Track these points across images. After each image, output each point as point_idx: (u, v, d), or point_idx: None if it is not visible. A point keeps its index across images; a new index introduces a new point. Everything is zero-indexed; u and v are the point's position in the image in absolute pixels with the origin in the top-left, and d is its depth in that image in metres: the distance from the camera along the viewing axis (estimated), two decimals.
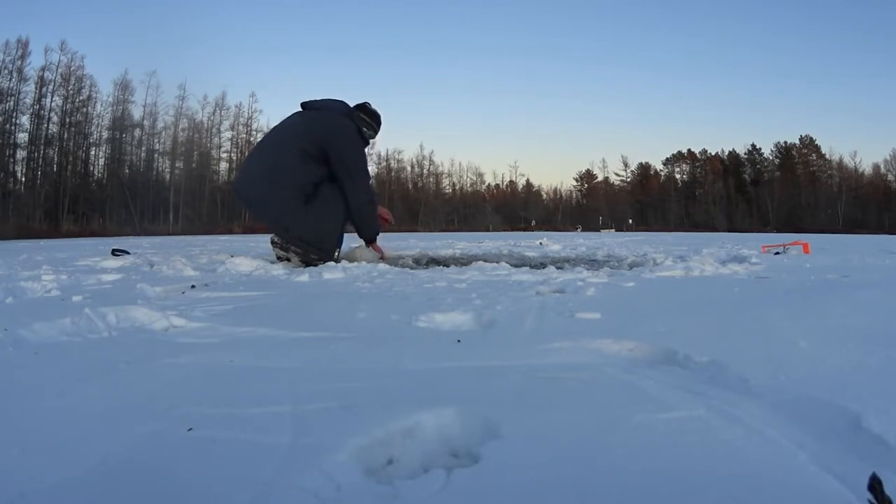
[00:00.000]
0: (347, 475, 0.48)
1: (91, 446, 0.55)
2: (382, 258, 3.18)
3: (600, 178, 54.71)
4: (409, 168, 47.17)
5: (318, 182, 2.97)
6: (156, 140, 31.85)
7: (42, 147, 27.33)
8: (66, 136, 28.56)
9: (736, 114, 70.66)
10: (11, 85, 25.83)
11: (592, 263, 3.09)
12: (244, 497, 0.45)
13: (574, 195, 54.99)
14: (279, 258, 3.00)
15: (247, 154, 3.08)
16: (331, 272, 2.18)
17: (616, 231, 33.34)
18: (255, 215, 3.21)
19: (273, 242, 3.05)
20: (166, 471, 0.49)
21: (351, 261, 3.02)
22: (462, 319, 1.22)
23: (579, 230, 32.81)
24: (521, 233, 26.41)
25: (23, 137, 26.65)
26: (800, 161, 48.44)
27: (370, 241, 3.21)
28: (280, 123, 3.15)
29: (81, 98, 28.90)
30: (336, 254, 3.11)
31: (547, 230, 33.42)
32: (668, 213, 49.00)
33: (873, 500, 0.39)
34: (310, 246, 2.93)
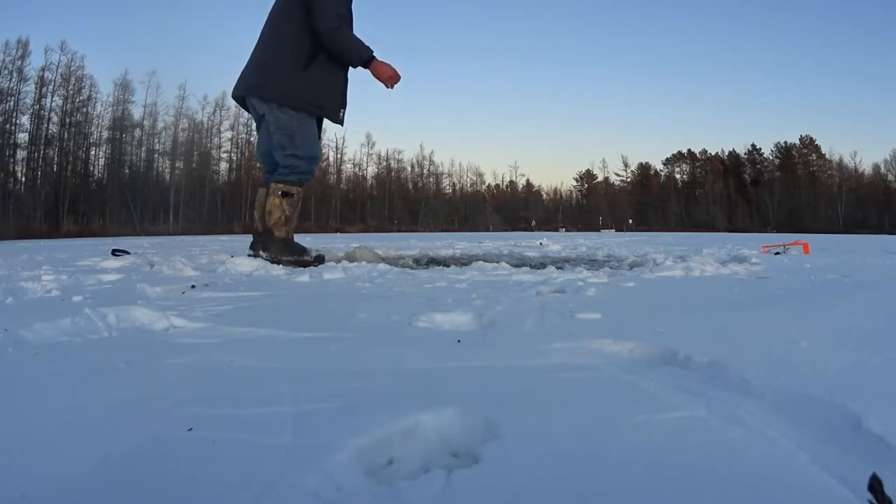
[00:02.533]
0: (348, 475, 0.48)
1: (91, 446, 0.55)
2: (394, 80, 2.89)
3: (600, 178, 54.79)
4: (409, 168, 47.17)
5: (318, 49, 2.85)
6: (156, 140, 31.89)
7: (42, 147, 27.35)
8: (66, 136, 28.58)
9: (736, 114, 70.81)
10: (11, 85, 25.86)
11: (592, 263, 3.09)
12: (245, 497, 0.45)
13: (574, 195, 55.06)
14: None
15: None
16: (331, 272, 2.18)
17: (616, 231, 33.38)
18: (253, 97, 2.93)
19: (254, 252, 2.95)
20: (167, 471, 0.50)
21: (351, 261, 3.02)
22: (462, 319, 1.22)
23: (563, 230, 32.94)
24: (522, 233, 26.43)
25: (23, 137, 26.69)
26: (800, 161, 48.47)
27: (367, 63, 2.88)
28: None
29: (81, 98, 28.94)
30: (342, 114, 3.00)
31: (547, 230, 33.45)
32: (669, 213, 49.03)
33: (873, 500, 0.39)
34: (313, 106, 2.85)
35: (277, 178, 2.96)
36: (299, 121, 2.89)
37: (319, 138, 3.18)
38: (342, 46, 2.85)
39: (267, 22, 3.00)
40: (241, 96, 3.01)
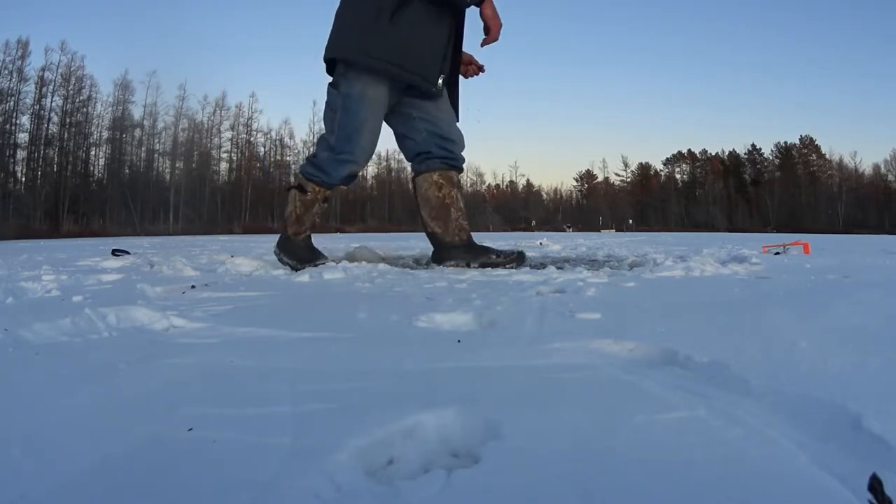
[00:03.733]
0: (348, 475, 0.48)
1: (91, 446, 0.55)
2: (494, 38, 2.27)
3: (600, 178, 54.84)
4: (409, 168, 47.16)
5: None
6: (156, 140, 31.95)
7: (42, 147, 27.40)
8: (66, 136, 28.64)
9: (736, 114, 70.88)
10: (11, 85, 25.93)
11: (593, 263, 3.09)
12: (245, 497, 0.45)
13: (574, 195, 55.08)
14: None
15: None
16: (331, 272, 2.18)
17: (616, 231, 33.39)
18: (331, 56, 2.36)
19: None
20: (166, 471, 0.50)
21: (351, 261, 3.02)
22: (462, 320, 1.22)
23: (569, 230, 33.03)
24: (522, 233, 26.43)
25: (23, 137, 26.77)
26: (800, 161, 48.50)
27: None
28: None
29: (81, 98, 29.03)
30: (440, 81, 2.32)
31: (547, 230, 33.48)
32: (669, 213, 49.04)
33: (873, 501, 0.39)
34: (393, 65, 2.21)
35: (301, 167, 2.53)
36: (350, 88, 2.27)
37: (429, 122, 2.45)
38: None
39: None
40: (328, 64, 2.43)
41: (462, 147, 2.65)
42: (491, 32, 2.30)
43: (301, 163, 2.61)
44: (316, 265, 2.65)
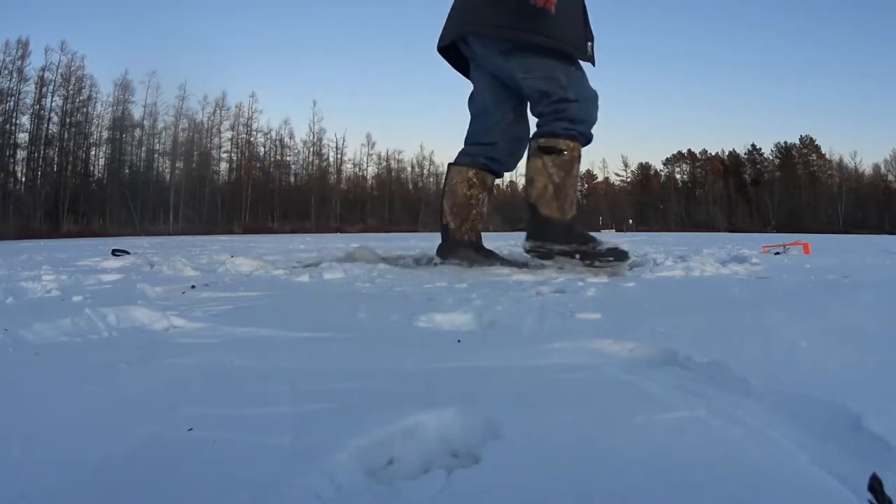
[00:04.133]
0: (348, 475, 0.49)
1: (91, 446, 0.55)
2: None
3: (600, 178, 54.79)
4: (409, 168, 47.16)
5: None
6: (156, 140, 31.96)
7: (42, 147, 27.41)
8: (66, 136, 28.64)
9: (736, 114, 70.86)
10: (11, 85, 25.94)
11: None
12: (245, 497, 0.45)
13: None
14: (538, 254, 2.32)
15: None
16: (331, 272, 2.18)
17: (616, 231, 33.36)
18: (471, 36, 2.27)
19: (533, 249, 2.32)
20: (166, 471, 0.50)
21: (351, 261, 3.02)
22: (462, 320, 1.22)
23: None
24: (522, 233, 26.38)
25: (23, 137, 26.77)
26: (800, 161, 48.48)
27: None
28: None
29: (81, 98, 29.02)
30: (589, 47, 2.27)
31: None
32: (669, 213, 49.03)
33: (873, 500, 0.39)
34: (554, 40, 2.13)
35: (538, 131, 2.28)
36: (547, 61, 2.20)
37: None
38: None
39: None
40: (450, 44, 2.37)
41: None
42: None
43: (546, 125, 2.25)
44: (603, 251, 2.18)
